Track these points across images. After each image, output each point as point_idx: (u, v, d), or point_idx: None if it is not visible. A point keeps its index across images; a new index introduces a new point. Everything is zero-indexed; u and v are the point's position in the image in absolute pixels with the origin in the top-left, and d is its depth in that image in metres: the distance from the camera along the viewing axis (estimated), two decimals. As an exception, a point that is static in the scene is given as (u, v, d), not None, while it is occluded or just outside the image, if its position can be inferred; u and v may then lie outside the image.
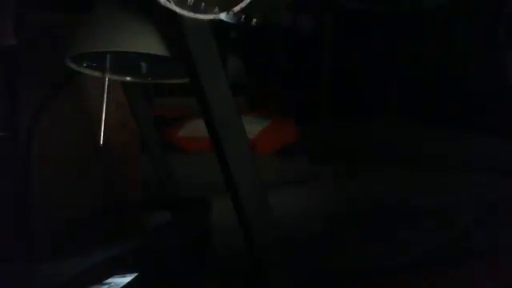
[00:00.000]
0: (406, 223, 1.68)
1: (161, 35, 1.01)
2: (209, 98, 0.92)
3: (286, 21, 3.09)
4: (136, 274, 0.97)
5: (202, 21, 0.90)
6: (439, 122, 2.51)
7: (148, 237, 1.05)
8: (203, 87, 0.92)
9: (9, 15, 1.33)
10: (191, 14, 0.88)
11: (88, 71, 1.15)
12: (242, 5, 0.91)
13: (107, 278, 0.94)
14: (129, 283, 0.95)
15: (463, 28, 2.60)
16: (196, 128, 2.49)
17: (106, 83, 1.16)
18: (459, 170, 2.09)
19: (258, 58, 3.23)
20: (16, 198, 1.40)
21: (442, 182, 2.01)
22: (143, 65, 1.19)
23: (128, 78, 1.22)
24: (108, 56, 1.14)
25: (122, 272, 0.96)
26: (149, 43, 1.02)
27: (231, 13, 0.91)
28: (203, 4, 0.89)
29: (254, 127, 2.60)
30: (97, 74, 1.16)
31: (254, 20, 0.94)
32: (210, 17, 0.90)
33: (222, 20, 0.91)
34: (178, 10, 0.87)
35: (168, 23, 0.94)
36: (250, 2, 0.91)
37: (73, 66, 1.12)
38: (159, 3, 0.86)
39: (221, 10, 0.90)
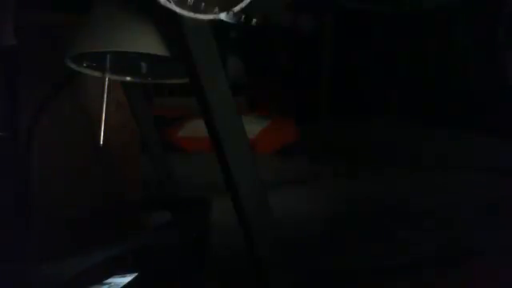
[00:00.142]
0: (405, 223, 1.69)
1: (161, 35, 1.01)
2: (209, 98, 0.92)
3: (286, 21, 3.09)
4: (136, 274, 0.97)
5: (202, 21, 0.90)
6: (439, 121, 2.51)
7: (148, 237, 1.05)
8: (203, 87, 0.92)
9: (9, 15, 1.33)
10: (191, 14, 0.88)
11: (88, 71, 1.15)
12: (242, 5, 0.91)
13: (107, 278, 0.94)
14: (129, 283, 0.95)
15: (463, 28, 2.61)
16: (196, 128, 2.50)
17: (106, 83, 1.16)
18: (459, 170, 2.10)
19: (258, 58, 3.23)
20: (16, 197, 1.40)
21: (442, 182, 2.01)
22: (143, 65, 1.19)
23: (128, 78, 1.22)
24: (108, 56, 1.14)
25: (122, 272, 0.96)
26: (149, 43, 1.02)
27: (231, 13, 0.91)
28: (203, 4, 0.89)
29: (254, 127, 2.60)
30: (97, 74, 1.16)
31: (254, 20, 0.94)
32: (210, 17, 0.90)
33: (222, 20, 0.91)
34: (178, 9, 0.87)
35: (168, 23, 0.94)
36: (250, 2, 0.91)
37: (73, 65, 1.12)
38: (159, 3, 0.86)
39: (221, 10, 0.90)
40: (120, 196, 1.59)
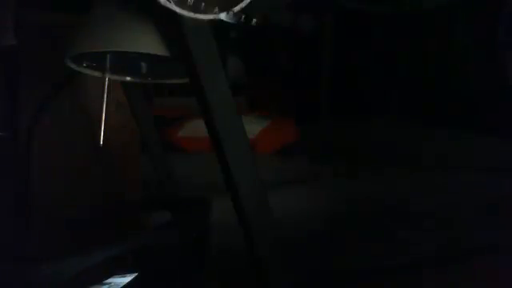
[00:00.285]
0: (406, 223, 1.69)
1: (161, 35, 1.01)
2: (209, 98, 0.92)
3: (286, 21, 3.09)
4: (136, 274, 0.97)
5: (202, 21, 0.90)
6: (439, 121, 2.51)
7: (148, 237, 1.05)
8: (203, 87, 0.92)
9: (9, 15, 1.33)
10: (191, 14, 0.88)
11: (88, 71, 1.15)
12: (242, 5, 0.91)
13: (107, 278, 0.95)
14: (129, 283, 0.95)
15: (463, 28, 2.61)
16: (196, 128, 2.50)
17: (106, 83, 1.16)
18: (459, 170, 2.10)
19: (258, 58, 3.23)
20: (16, 197, 1.40)
21: (442, 182, 2.01)
22: (143, 65, 1.19)
23: (128, 78, 1.22)
24: (108, 56, 1.14)
25: (122, 272, 0.96)
26: (149, 43, 1.02)
27: (231, 13, 0.91)
28: (203, 4, 0.89)
29: (254, 127, 2.60)
30: (97, 74, 1.16)
31: (254, 20, 0.94)
32: (210, 17, 0.90)
33: (222, 20, 0.91)
34: (178, 9, 0.87)
35: (168, 23, 0.94)
36: (250, 2, 0.91)
37: (73, 65, 1.12)
38: (159, 3, 0.86)
39: (221, 10, 0.90)
40: (120, 196, 1.59)
